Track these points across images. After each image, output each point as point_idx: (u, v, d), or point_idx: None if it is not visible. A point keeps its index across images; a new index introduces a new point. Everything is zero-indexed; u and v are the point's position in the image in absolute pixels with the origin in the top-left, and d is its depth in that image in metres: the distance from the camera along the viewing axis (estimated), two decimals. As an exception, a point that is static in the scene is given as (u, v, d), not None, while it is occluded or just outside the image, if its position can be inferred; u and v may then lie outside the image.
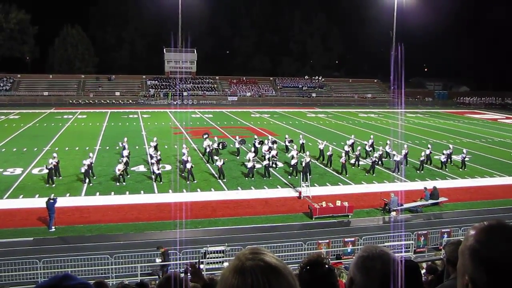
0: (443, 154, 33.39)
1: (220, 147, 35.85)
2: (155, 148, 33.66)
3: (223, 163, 29.37)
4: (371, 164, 31.64)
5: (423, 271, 8.11)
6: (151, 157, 31.42)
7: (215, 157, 31.69)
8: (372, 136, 39.09)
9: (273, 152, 32.71)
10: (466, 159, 33.52)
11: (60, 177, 28.32)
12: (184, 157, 30.10)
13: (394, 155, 32.68)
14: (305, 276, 2.67)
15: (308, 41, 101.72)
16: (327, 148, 34.51)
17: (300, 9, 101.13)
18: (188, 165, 28.60)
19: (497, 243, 1.69)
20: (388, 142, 36.46)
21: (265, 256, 1.61)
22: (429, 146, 35.65)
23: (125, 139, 35.23)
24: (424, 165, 32.43)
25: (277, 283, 1.54)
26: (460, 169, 32.94)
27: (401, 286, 2.11)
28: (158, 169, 28.27)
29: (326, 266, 2.71)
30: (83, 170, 27.78)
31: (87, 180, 27.54)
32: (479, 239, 1.72)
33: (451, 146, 35.84)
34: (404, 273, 2.17)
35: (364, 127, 53.14)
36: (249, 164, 29.69)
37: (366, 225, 22.62)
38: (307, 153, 31.70)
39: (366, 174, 30.90)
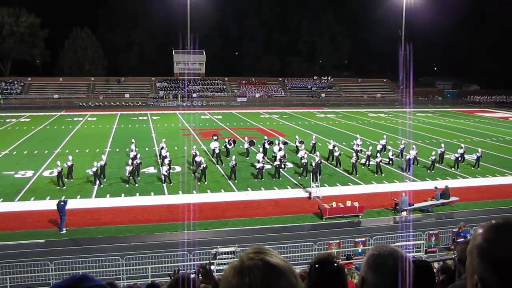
0: (457, 153, 33.20)
1: (232, 144, 35.77)
2: (161, 150, 33.63)
3: (236, 164, 29.36)
4: (376, 164, 31.43)
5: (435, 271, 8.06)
6: (161, 159, 31.56)
7: (233, 157, 31.40)
8: (385, 136, 38.94)
9: (281, 153, 32.66)
10: (481, 158, 33.24)
11: (72, 179, 28.47)
12: (197, 158, 30.21)
13: (405, 154, 32.53)
14: (314, 274, 2.67)
15: (317, 41, 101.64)
16: (334, 148, 34.42)
17: (308, 9, 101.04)
18: (202, 166, 28.67)
19: (505, 242, 1.67)
20: (401, 141, 36.09)
21: (266, 255, 1.60)
22: (442, 145, 35.38)
23: (132, 140, 35.52)
24: (435, 164, 32.19)
25: (276, 283, 1.53)
26: (473, 168, 32.68)
27: (413, 283, 2.11)
28: (166, 171, 28.35)
29: (335, 264, 2.70)
30: (91, 173, 27.88)
31: (97, 182, 27.69)
32: (486, 238, 1.71)
33: (463, 145, 35.59)
34: (417, 273, 2.17)
35: (374, 127, 52.95)
36: (258, 165, 29.67)
37: (376, 225, 22.52)
38: (318, 153, 31.64)
39: (376, 174, 30.75)
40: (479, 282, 1.70)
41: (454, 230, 20.49)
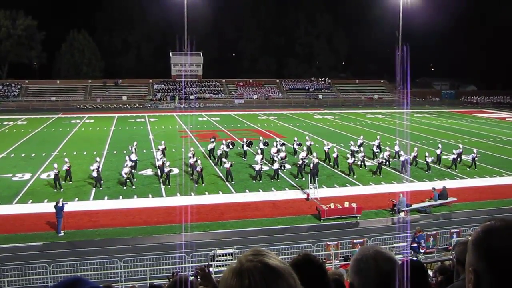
0: (453, 153, 33.23)
1: (231, 146, 35.74)
2: (163, 152, 33.52)
3: (231, 165, 29.38)
4: (377, 165, 31.51)
5: (433, 272, 8.07)
6: (158, 161, 31.48)
7: (223, 160, 31.64)
8: (378, 137, 38.86)
9: (282, 155, 32.66)
10: (476, 158, 33.30)
11: (71, 182, 28.42)
12: (191, 160, 30.18)
13: (401, 155, 32.56)
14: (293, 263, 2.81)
15: (314, 43, 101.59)
16: (332, 150, 34.46)
17: (305, 10, 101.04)
18: (198, 168, 28.65)
19: (500, 236, 1.71)
20: (396, 142, 36.22)
21: (265, 257, 1.61)
22: (439, 146, 35.39)
23: (135, 143, 35.45)
24: (430, 165, 32.15)
25: (276, 285, 1.54)
26: (468, 169, 32.69)
27: (400, 285, 2.12)
28: (165, 173, 28.32)
29: (302, 257, 2.82)
30: (95, 175, 27.79)
31: (96, 185, 27.63)
32: (483, 231, 1.76)
33: (461, 146, 35.60)
34: (408, 273, 2.18)
35: (371, 128, 52.95)
36: (257, 167, 29.65)
37: (374, 226, 22.53)
38: (314, 154, 31.66)
39: (374, 175, 30.78)
40: (473, 274, 1.73)
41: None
